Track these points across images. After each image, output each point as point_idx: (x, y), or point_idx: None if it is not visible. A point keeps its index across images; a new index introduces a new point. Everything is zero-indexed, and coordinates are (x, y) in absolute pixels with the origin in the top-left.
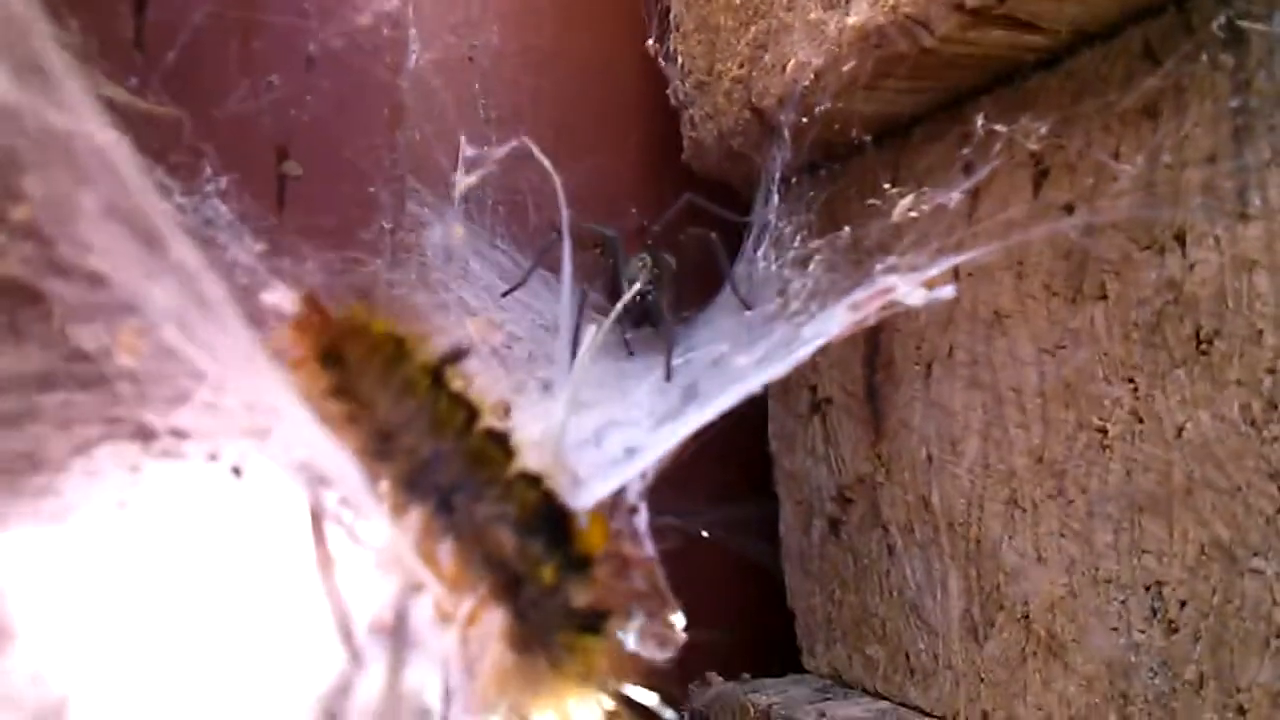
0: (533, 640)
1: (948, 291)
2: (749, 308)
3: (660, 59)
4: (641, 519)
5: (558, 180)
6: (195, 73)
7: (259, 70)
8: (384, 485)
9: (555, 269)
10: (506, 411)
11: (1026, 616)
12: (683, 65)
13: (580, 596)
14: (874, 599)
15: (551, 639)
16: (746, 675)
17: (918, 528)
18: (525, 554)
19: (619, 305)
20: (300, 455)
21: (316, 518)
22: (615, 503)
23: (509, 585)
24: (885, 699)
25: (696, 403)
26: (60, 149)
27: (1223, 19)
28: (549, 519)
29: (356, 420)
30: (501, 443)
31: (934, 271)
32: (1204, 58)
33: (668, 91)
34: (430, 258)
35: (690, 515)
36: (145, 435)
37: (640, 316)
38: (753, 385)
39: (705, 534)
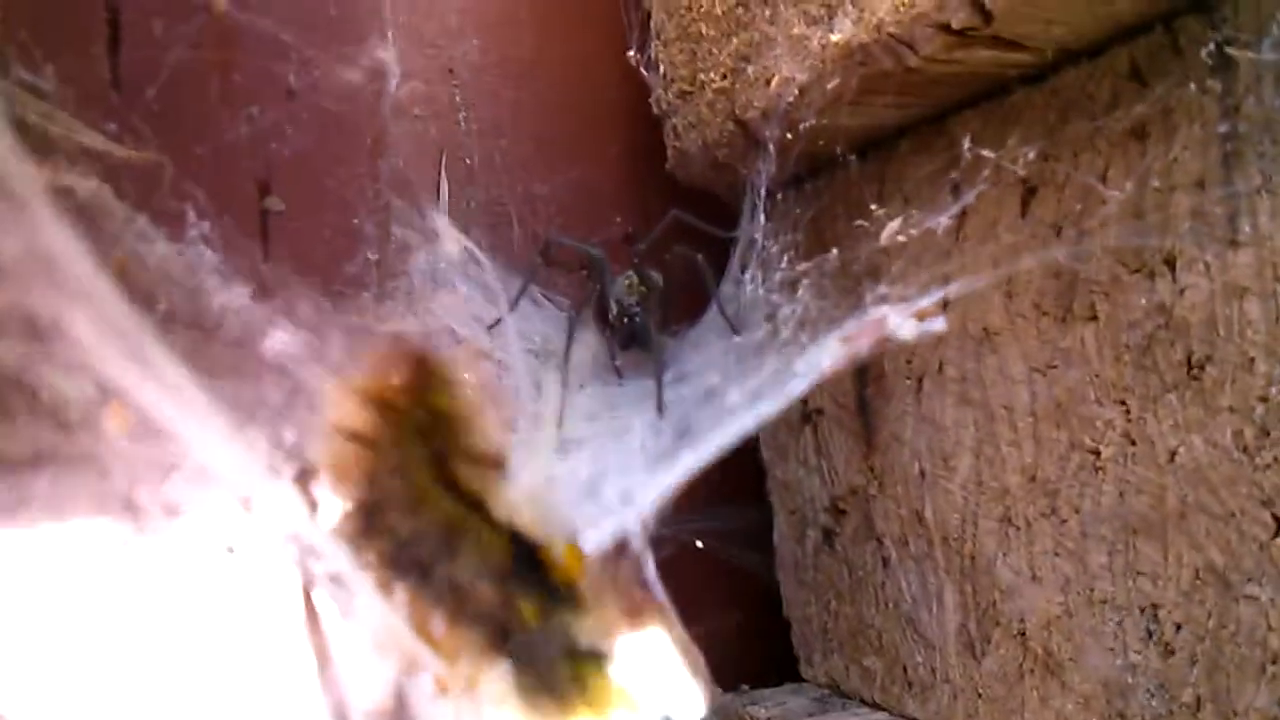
0: (535, 681)
1: (939, 324)
2: (737, 332)
3: (642, 69)
4: (649, 567)
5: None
6: (174, 109)
7: (239, 103)
8: (370, 559)
9: (544, 286)
10: (500, 467)
11: (1023, 633)
12: (665, 74)
13: (570, 624)
14: (870, 610)
15: (552, 675)
16: (745, 686)
17: (912, 541)
18: (507, 601)
19: (566, 354)
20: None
21: (309, 596)
22: (620, 551)
23: (499, 636)
24: (883, 710)
25: (690, 443)
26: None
27: (1211, 46)
28: (521, 560)
29: (360, 473)
30: (477, 504)
31: (925, 303)
32: (1192, 84)
33: (650, 100)
34: (416, 284)
35: (684, 523)
36: (135, 511)
37: (628, 338)
38: (747, 424)
39: (700, 544)
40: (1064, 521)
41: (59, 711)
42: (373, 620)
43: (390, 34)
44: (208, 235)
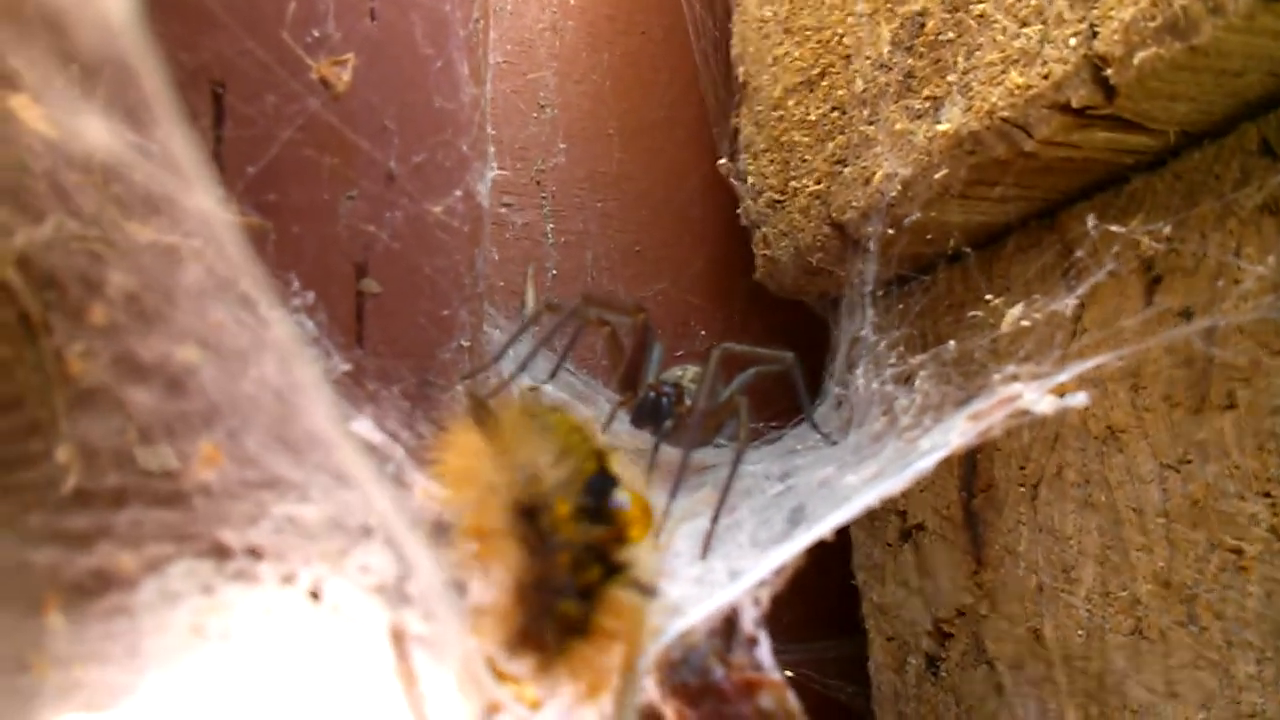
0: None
1: (1080, 399)
2: (832, 443)
3: (731, 178)
4: (763, 649)
5: None
6: (274, 188)
7: (338, 186)
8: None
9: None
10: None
11: None
12: (753, 185)
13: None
14: None
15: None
16: None
17: (1029, 663)
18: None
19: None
20: (380, 577)
21: (400, 639)
22: (731, 633)
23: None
24: None
25: (806, 525)
26: (164, 209)
27: None
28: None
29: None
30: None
31: (1063, 378)
32: None
33: (737, 211)
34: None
35: (770, 653)
36: (220, 554)
37: (647, 414)
38: (869, 499)
39: (789, 674)
40: (1204, 629)
41: None
42: (457, 656)
43: (490, 133)
44: (310, 305)
